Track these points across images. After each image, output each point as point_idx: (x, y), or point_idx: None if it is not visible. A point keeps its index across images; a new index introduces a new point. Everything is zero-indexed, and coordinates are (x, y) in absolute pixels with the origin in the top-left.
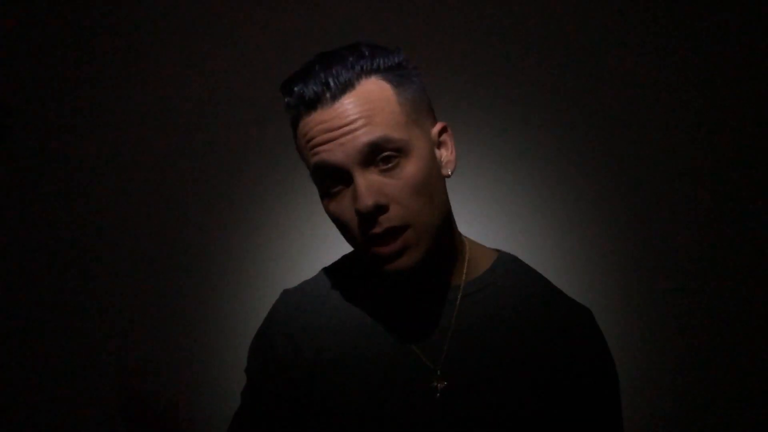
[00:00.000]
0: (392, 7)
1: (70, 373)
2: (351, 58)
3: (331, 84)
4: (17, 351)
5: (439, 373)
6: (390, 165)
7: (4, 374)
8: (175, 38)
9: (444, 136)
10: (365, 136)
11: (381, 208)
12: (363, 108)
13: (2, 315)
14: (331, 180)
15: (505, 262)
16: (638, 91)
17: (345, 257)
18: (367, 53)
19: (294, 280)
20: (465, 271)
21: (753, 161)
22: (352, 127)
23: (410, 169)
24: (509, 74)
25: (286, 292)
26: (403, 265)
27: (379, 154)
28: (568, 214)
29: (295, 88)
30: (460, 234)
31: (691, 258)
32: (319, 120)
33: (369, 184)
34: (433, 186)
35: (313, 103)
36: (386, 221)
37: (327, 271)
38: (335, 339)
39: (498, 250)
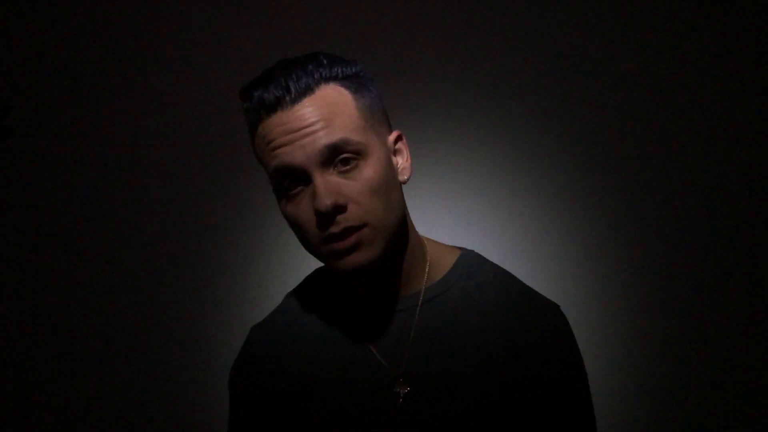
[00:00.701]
0: (353, 20)
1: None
2: (311, 65)
3: (291, 88)
4: (18, 351)
5: (401, 379)
6: (348, 167)
7: (8, 375)
8: (180, 36)
9: (399, 144)
10: (325, 138)
11: (339, 208)
12: (322, 111)
13: (4, 315)
14: (290, 181)
15: (467, 260)
16: (589, 87)
17: (307, 279)
18: (326, 61)
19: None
20: (426, 274)
21: (711, 159)
22: (311, 129)
23: (368, 171)
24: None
25: (254, 329)
26: (358, 261)
27: (338, 156)
28: (525, 212)
29: (255, 93)
30: (419, 237)
31: (652, 253)
32: (279, 122)
33: (328, 184)
34: (389, 189)
35: (273, 106)
36: (344, 220)
37: (291, 295)
38: (306, 364)
39: (460, 248)
